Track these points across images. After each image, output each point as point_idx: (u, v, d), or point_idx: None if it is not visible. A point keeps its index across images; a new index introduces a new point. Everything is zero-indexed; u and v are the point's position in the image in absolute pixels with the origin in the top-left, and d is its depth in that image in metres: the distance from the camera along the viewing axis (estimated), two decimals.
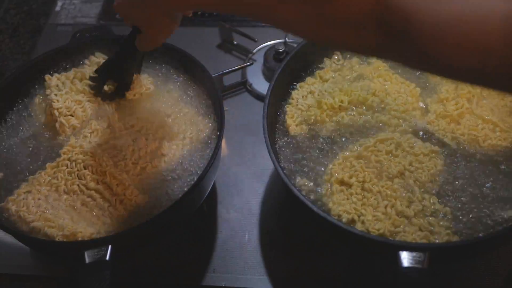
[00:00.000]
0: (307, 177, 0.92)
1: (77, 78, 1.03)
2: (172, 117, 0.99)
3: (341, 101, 0.98)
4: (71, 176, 0.91)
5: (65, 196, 0.90)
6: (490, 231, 0.83)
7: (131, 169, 0.92)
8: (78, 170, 0.91)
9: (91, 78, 1.01)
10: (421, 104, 0.99)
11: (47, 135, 1.00)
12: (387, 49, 0.61)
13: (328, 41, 0.68)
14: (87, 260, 0.79)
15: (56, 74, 1.03)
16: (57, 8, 1.42)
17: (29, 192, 0.90)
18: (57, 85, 1.02)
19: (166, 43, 1.04)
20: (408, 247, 0.77)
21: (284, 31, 0.71)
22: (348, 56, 1.07)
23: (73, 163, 0.92)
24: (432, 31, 0.56)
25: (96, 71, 1.00)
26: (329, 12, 0.61)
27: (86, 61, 1.07)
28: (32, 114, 1.03)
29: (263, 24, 1.31)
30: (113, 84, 1.01)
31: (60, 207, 0.89)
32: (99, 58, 1.06)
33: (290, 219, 1.00)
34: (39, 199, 0.89)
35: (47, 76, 1.03)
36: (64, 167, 0.92)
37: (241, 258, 0.96)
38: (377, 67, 1.04)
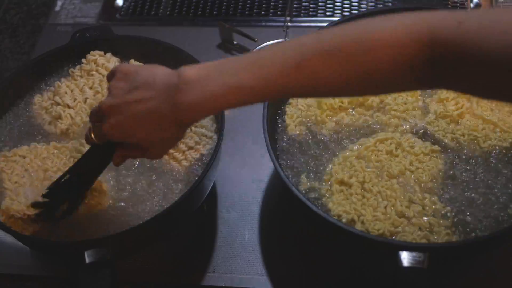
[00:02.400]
0: (307, 177, 0.92)
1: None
2: None
3: (341, 101, 0.98)
4: None
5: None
6: (490, 231, 0.83)
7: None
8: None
9: (35, 205, 0.86)
10: (421, 104, 0.99)
11: (46, 135, 1.00)
12: (436, 82, 0.63)
13: (379, 91, 0.74)
14: (87, 260, 0.79)
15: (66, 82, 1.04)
16: (57, 8, 1.41)
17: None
18: (66, 92, 1.02)
19: (166, 43, 1.05)
20: (408, 247, 0.77)
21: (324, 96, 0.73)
22: None
23: None
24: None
25: (46, 195, 0.84)
26: (375, 64, 0.62)
27: (84, 61, 1.07)
28: (32, 113, 1.03)
29: (263, 24, 1.31)
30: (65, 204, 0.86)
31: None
32: (95, 56, 1.06)
33: (290, 219, 1.00)
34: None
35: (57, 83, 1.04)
36: None
37: (241, 258, 0.96)
38: None
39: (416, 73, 0.62)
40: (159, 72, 0.71)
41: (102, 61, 1.06)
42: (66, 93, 1.02)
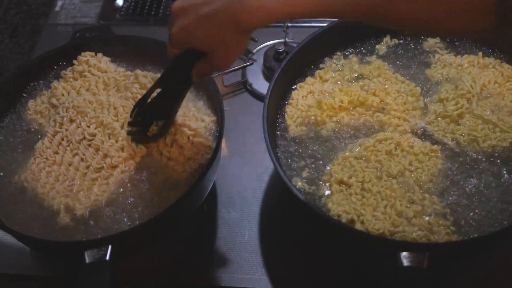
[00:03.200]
0: (307, 177, 0.92)
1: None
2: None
3: (341, 101, 0.98)
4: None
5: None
6: (490, 231, 0.83)
7: None
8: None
9: (132, 123, 0.93)
10: (421, 104, 0.99)
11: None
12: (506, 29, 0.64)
13: (451, 32, 0.72)
14: (87, 260, 0.79)
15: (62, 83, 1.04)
16: (57, 8, 1.41)
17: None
18: (62, 94, 1.02)
19: (164, 43, 1.04)
20: (408, 247, 0.77)
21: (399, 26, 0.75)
22: (348, 56, 1.07)
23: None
24: None
25: (138, 114, 0.91)
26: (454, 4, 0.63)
27: (75, 62, 1.06)
28: (31, 113, 1.03)
29: None
30: (156, 125, 0.93)
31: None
32: (86, 57, 1.06)
33: (290, 219, 1.00)
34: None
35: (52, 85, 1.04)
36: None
37: (241, 258, 0.96)
38: (377, 66, 1.04)
39: (487, 17, 0.63)
40: None
41: (94, 62, 1.05)
42: (62, 95, 1.01)
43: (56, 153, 0.94)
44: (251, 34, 0.78)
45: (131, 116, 0.93)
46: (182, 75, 0.84)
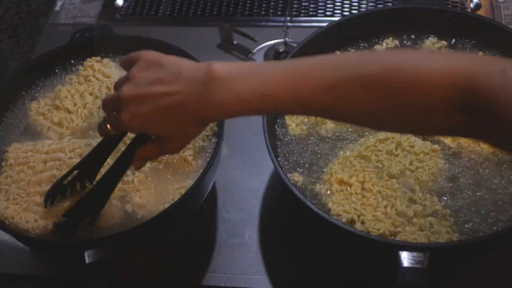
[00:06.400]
0: (307, 177, 0.92)
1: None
2: None
3: None
4: None
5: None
6: (490, 231, 0.83)
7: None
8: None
9: (59, 226, 0.85)
10: None
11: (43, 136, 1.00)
12: (472, 131, 0.60)
13: (409, 130, 0.69)
14: (87, 260, 0.79)
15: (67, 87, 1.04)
16: (57, 8, 1.41)
17: None
18: (66, 97, 1.02)
19: (166, 43, 1.05)
20: (408, 247, 0.77)
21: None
22: None
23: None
24: None
25: (66, 214, 0.84)
26: (412, 102, 0.60)
27: (80, 67, 1.07)
28: (30, 114, 1.02)
29: (263, 24, 1.31)
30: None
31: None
32: (92, 62, 1.07)
33: (290, 219, 1.00)
34: None
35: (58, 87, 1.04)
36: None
37: (241, 258, 0.96)
38: None
39: (451, 119, 0.59)
40: (185, 65, 0.69)
41: (99, 67, 1.06)
42: (66, 97, 1.02)
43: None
44: (209, 124, 0.76)
45: (44, 201, 0.87)
46: (118, 158, 0.79)
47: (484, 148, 0.91)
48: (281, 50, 1.18)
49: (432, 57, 0.62)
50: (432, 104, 0.59)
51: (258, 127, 0.91)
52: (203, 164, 0.93)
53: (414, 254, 0.75)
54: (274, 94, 0.64)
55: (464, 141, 0.92)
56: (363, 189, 0.88)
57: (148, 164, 0.91)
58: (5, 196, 0.91)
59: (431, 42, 1.06)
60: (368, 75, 0.61)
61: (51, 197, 0.87)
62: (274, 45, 1.21)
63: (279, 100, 0.64)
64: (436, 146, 0.92)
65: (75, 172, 0.86)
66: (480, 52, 1.03)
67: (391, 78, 0.60)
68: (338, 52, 1.07)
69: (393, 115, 0.62)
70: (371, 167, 0.90)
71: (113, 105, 0.73)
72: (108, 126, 0.75)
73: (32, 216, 0.88)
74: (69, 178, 0.87)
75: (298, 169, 0.93)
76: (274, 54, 1.19)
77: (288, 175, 0.90)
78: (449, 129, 0.62)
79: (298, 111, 0.69)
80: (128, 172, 0.89)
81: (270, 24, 1.31)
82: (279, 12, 1.33)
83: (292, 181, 0.89)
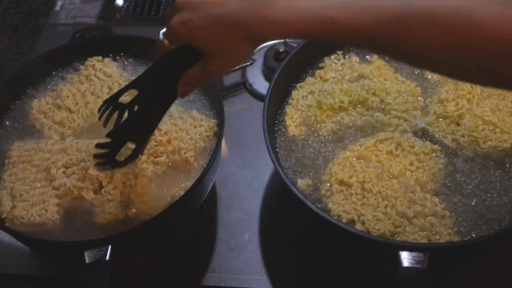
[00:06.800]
0: (307, 177, 0.92)
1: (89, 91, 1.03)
2: (173, 118, 0.99)
3: (341, 102, 0.98)
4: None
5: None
6: (490, 231, 0.83)
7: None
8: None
9: (99, 146, 0.86)
10: (421, 104, 0.99)
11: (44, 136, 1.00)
12: None
13: (465, 79, 0.68)
14: (87, 260, 0.79)
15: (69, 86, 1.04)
16: (57, 8, 1.41)
17: None
18: (68, 96, 1.02)
19: None
20: (408, 247, 0.77)
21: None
22: (348, 55, 1.07)
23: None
24: None
25: (109, 135, 0.82)
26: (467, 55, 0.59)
27: (82, 67, 1.07)
28: (31, 113, 1.02)
29: None
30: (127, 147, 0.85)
31: None
32: (93, 61, 1.07)
33: (290, 219, 1.00)
34: None
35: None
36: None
37: (241, 258, 0.96)
38: (378, 66, 1.04)
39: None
40: None
41: (100, 66, 1.06)
42: (68, 96, 1.02)
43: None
44: (259, 45, 0.71)
45: (99, 112, 0.85)
46: (166, 80, 0.76)
47: (485, 148, 0.91)
48: (281, 50, 1.18)
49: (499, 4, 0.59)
50: (484, 54, 0.58)
51: (258, 127, 0.91)
52: (204, 164, 0.93)
53: (414, 254, 0.75)
54: (336, 20, 0.62)
55: (464, 141, 0.92)
56: (363, 189, 0.88)
57: (151, 168, 0.91)
58: (10, 194, 0.90)
59: None
60: (432, 12, 0.59)
61: (105, 110, 0.83)
62: (274, 45, 1.21)
63: (341, 25, 0.62)
64: (436, 146, 0.92)
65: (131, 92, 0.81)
66: None
67: (457, 19, 0.58)
68: (339, 53, 1.07)
69: (453, 58, 0.60)
70: (371, 167, 0.90)
71: (170, 12, 0.73)
72: (165, 40, 0.74)
73: (42, 206, 0.88)
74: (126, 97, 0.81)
75: (298, 169, 0.93)
76: (274, 54, 1.19)
77: (288, 175, 0.90)
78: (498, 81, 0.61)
79: (356, 41, 0.65)
80: (131, 177, 0.89)
81: None
82: None
83: (292, 181, 0.88)
